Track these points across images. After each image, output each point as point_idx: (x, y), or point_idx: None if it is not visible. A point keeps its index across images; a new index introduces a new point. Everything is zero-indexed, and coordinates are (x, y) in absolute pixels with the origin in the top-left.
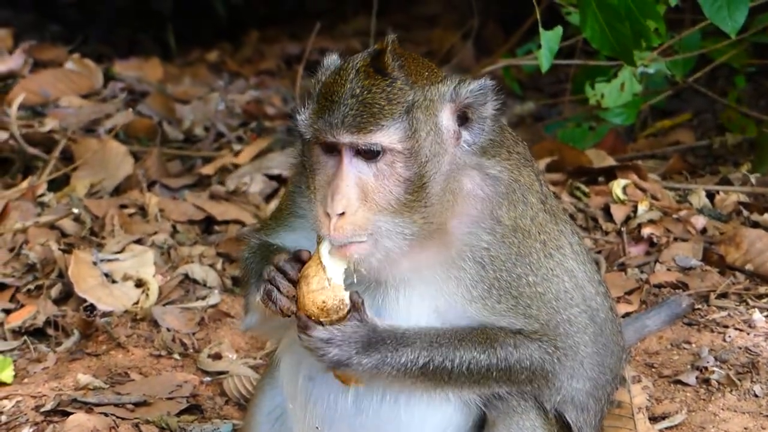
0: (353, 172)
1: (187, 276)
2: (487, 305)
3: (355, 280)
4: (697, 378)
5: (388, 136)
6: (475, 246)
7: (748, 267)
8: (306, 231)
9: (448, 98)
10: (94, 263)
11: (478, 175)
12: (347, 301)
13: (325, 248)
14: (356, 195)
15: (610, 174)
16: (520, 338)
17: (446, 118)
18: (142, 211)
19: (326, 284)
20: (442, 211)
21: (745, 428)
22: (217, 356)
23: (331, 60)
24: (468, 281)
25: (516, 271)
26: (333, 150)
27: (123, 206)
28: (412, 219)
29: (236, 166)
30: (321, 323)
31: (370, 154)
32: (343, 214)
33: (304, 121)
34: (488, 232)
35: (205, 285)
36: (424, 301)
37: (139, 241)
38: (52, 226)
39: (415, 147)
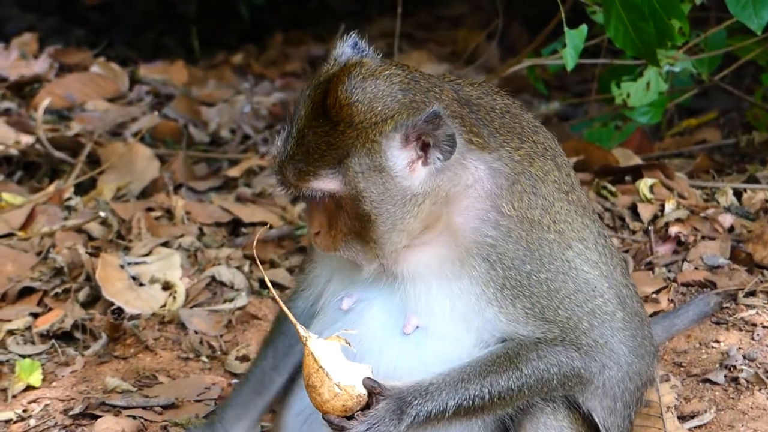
0: (317, 203)
1: (214, 278)
2: (503, 309)
3: (353, 349)
4: (725, 376)
5: (326, 184)
6: (481, 243)
7: None
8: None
9: (396, 135)
10: (122, 266)
11: (478, 169)
12: (364, 392)
13: (316, 348)
14: (323, 220)
15: (637, 173)
16: (542, 348)
17: (396, 154)
18: (169, 213)
19: (337, 390)
20: (406, 233)
21: None
22: (245, 358)
23: (341, 51)
24: (480, 280)
25: (525, 268)
26: None
27: (149, 209)
28: (371, 244)
29: (262, 168)
30: (351, 416)
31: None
32: (318, 233)
33: (270, 156)
34: (493, 226)
35: (232, 287)
36: (445, 299)
37: (165, 244)
38: (79, 229)
39: (357, 190)
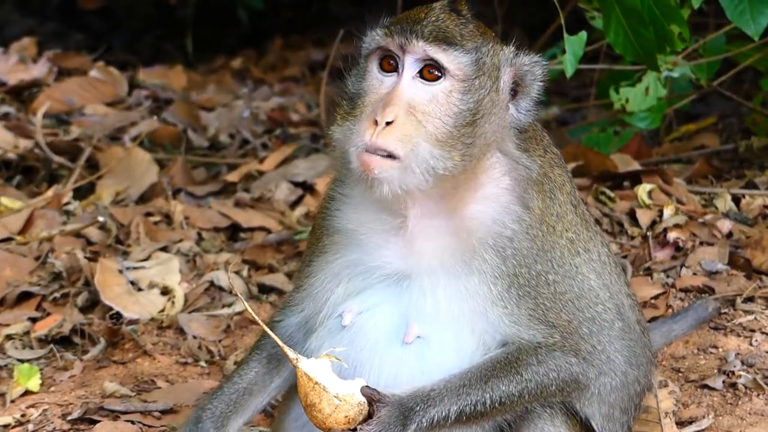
0: (410, 89)
1: (212, 283)
2: (507, 309)
3: (345, 365)
4: (723, 382)
5: (456, 60)
6: (499, 234)
7: None
8: (338, 246)
9: (509, 61)
10: (120, 271)
11: (512, 159)
12: (363, 399)
13: (308, 366)
14: (407, 110)
15: (636, 178)
16: (542, 352)
17: (504, 80)
18: (168, 218)
19: (337, 402)
20: (479, 160)
21: None
22: None
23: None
24: (489, 276)
25: (536, 267)
26: (392, 70)
27: (148, 214)
28: (451, 155)
29: (261, 173)
30: (355, 428)
31: (431, 75)
32: (390, 124)
33: (378, 29)
34: (515, 221)
35: (230, 292)
36: (451, 303)
37: (164, 249)
38: (77, 234)
39: (476, 83)
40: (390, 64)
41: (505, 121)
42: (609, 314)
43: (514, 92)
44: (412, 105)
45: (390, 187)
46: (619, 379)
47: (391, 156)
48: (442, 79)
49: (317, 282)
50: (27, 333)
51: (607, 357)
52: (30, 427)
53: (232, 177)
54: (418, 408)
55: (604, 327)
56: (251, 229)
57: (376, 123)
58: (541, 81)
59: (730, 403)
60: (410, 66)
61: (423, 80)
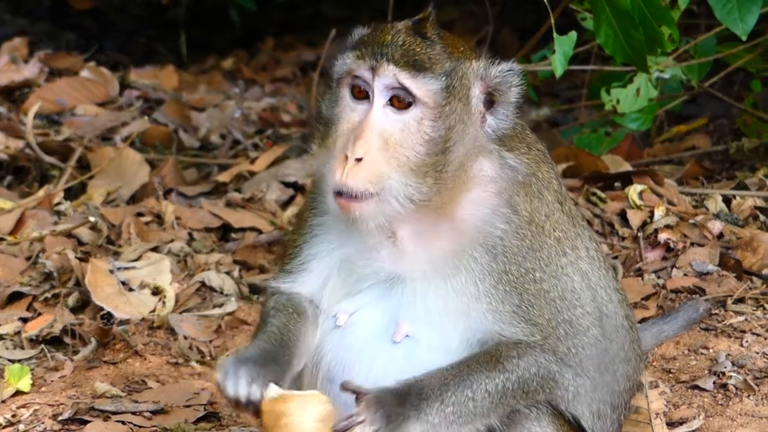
0: (381, 119)
1: (203, 283)
2: (492, 305)
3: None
4: (714, 383)
5: (426, 86)
6: (489, 234)
7: (765, 272)
8: (328, 233)
9: (480, 75)
10: (111, 271)
11: (497, 163)
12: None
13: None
14: (378, 143)
15: (627, 179)
16: (521, 348)
17: (476, 95)
18: (159, 218)
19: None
20: (454, 185)
21: None
22: None
23: (359, 32)
24: (477, 273)
25: (525, 265)
26: (364, 97)
27: (139, 214)
28: (425, 182)
29: (252, 174)
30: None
31: (401, 104)
32: (360, 161)
33: (348, 52)
34: (505, 221)
35: (221, 292)
36: (439, 300)
37: (155, 249)
38: (68, 234)
39: (446, 109)
40: (361, 91)
41: (483, 133)
42: (586, 319)
43: (491, 101)
44: (383, 136)
45: (371, 222)
46: (591, 383)
47: (365, 194)
48: (412, 106)
49: (312, 266)
50: (18, 333)
51: (580, 360)
52: (21, 427)
53: (224, 177)
54: (409, 390)
55: (579, 331)
56: (242, 230)
57: (347, 158)
58: (517, 88)
59: (721, 404)
60: (380, 93)
61: (393, 108)
